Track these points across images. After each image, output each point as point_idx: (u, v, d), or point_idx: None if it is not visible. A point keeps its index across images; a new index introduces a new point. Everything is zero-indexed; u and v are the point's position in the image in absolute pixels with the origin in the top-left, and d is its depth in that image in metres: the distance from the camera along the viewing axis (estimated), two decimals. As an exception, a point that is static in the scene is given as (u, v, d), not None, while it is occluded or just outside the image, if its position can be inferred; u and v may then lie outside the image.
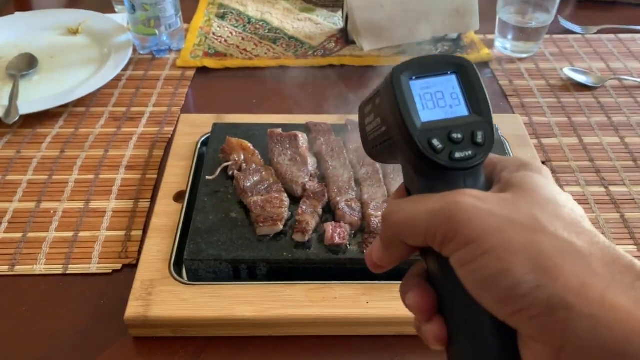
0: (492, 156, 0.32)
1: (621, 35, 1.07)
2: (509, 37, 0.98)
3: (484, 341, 0.29)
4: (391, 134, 0.31)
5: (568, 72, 0.94)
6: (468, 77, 0.32)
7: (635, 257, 0.66)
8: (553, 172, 0.76)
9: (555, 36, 1.06)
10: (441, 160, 0.30)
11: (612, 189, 0.74)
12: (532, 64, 0.98)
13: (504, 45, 1.00)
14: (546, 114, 0.87)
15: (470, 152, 0.30)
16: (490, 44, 1.03)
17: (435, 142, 0.30)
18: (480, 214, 0.27)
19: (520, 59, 0.99)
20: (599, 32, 1.08)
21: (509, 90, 0.92)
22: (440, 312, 0.31)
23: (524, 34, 0.98)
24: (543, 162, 0.76)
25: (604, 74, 0.96)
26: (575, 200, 0.74)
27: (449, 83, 0.32)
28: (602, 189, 0.74)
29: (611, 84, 0.94)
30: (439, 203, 0.28)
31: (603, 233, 0.67)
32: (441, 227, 0.28)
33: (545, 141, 0.81)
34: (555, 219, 0.27)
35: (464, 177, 0.30)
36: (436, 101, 0.31)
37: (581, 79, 0.93)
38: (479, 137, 0.30)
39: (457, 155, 0.30)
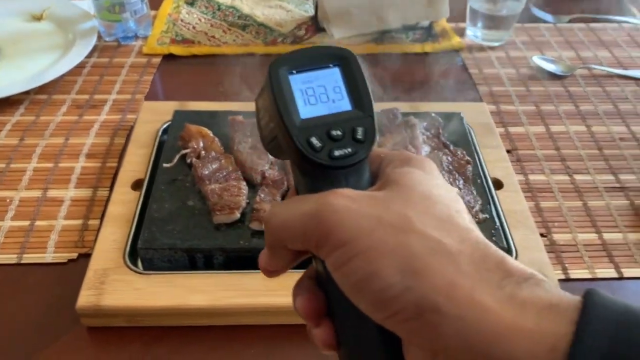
0: (379, 150, 0.31)
1: (592, 25, 1.07)
2: (480, 25, 0.98)
3: (370, 346, 0.28)
4: (277, 131, 0.30)
5: (537, 60, 0.94)
6: (351, 69, 0.30)
7: (597, 244, 0.66)
8: (518, 160, 0.76)
9: (526, 25, 1.06)
10: (320, 159, 0.28)
11: (577, 177, 0.74)
12: (502, 53, 0.98)
13: (475, 33, 1.00)
14: (514, 103, 0.87)
15: (350, 150, 0.29)
16: (462, 33, 1.02)
17: (314, 140, 0.28)
18: (352, 215, 0.26)
19: (491, 48, 0.99)
20: (570, 21, 1.08)
21: (478, 78, 0.92)
22: (329, 316, 0.30)
23: (494, 22, 0.97)
24: (508, 151, 0.76)
25: (573, 62, 0.96)
26: (539, 188, 0.74)
27: (332, 76, 0.30)
28: (567, 177, 0.74)
29: (580, 72, 0.94)
30: (313, 205, 0.27)
31: (565, 221, 0.68)
32: (315, 230, 0.26)
33: (512, 129, 0.81)
34: (426, 216, 0.26)
35: (346, 175, 0.29)
36: (318, 96, 0.30)
37: (550, 67, 0.93)
38: (360, 134, 0.29)
39: (337, 153, 0.28)
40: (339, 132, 0.29)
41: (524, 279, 0.25)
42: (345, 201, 0.26)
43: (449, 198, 0.28)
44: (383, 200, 0.27)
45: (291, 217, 0.28)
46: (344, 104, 0.30)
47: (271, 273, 0.32)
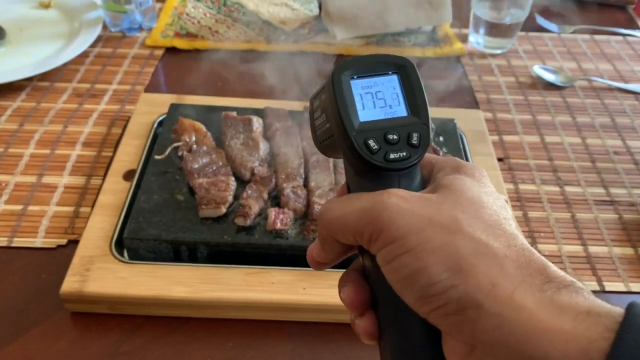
0: (431, 156, 0.33)
1: (597, 37, 1.07)
2: (482, 32, 0.98)
3: (411, 337, 0.30)
4: (333, 131, 0.32)
5: (537, 70, 0.94)
6: (409, 77, 0.32)
7: (581, 257, 0.66)
8: (510, 169, 0.76)
9: (530, 34, 1.06)
10: (376, 161, 0.30)
11: (567, 188, 0.74)
12: (503, 61, 0.98)
13: (477, 40, 1.00)
14: (511, 111, 0.87)
15: (404, 153, 0.30)
16: (465, 39, 1.02)
17: (371, 142, 0.30)
18: (404, 213, 0.28)
19: (493, 55, 0.99)
20: (575, 32, 1.07)
21: (476, 85, 0.92)
22: (373, 307, 0.32)
23: (497, 29, 0.97)
24: (500, 159, 0.77)
25: (574, 74, 0.96)
26: (528, 198, 0.76)
27: (390, 83, 0.32)
28: (557, 188, 0.74)
29: (580, 84, 0.93)
30: (368, 202, 0.29)
31: (552, 232, 0.68)
32: (367, 226, 0.28)
33: (506, 138, 0.82)
34: (475, 220, 0.28)
35: (399, 177, 0.31)
36: (376, 101, 0.31)
37: (550, 77, 0.93)
38: (415, 139, 0.31)
39: (392, 156, 0.30)
40: (395, 136, 0.30)
41: (564, 285, 0.26)
42: (398, 200, 0.28)
43: (497, 205, 0.29)
44: (434, 202, 0.28)
45: (346, 213, 0.30)
46: (400, 110, 0.32)
47: (319, 265, 0.34)
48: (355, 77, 0.32)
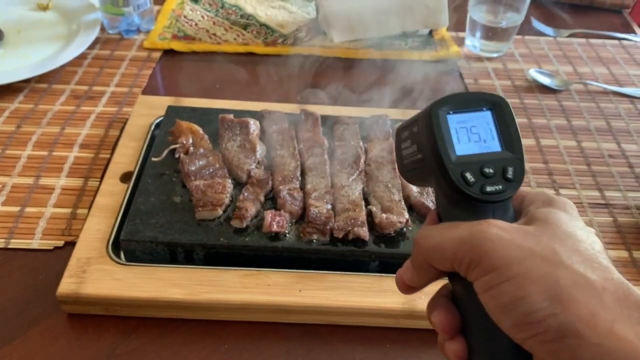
0: (521, 190, 0.34)
1: (592, 40, 1.07)
2: (478, 35, 0.98)
3: None
4: (426, 162, 0.33)
5: (533, 73, 0.94)
6: (503, 114, 0.34)
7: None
8: (505, 172, 0.76)
9: (527, 37, 1.06)
10: (473, 193, 0.32)
11: (562, 191, 0.75)
12: (499, 64, 0.99)
13: (473, 43, 1.00)
14: (507, 114, 0.87)
15: (500, 187, 0.32)
16: (461, 42, 1.03)
17: (468, 175, 0.32)
18: (505, 244, 0.29)
19: (489, 59, 1.00)
20: (571, 35, 1.08)
21: (473, 88, 0.92)
22: (462, 332, 0.33)
23: (493, 33, 0.98)
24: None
25: (570, 77, 0.96)
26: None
27: (484, 119, 0.33)
28: (552, 192, 0.75)
29: (576, 87, 0.94)
30: (467, 231, 0.30)
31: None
32: (467, 254, 0.30)
33: (501, 141, 0.82)
34: (573, 253, 0.29)
35: (494, 209, 0.32)
36: (470, 135, 0.33)
37: (545, 81, 0.93)
38: (510, 173, 0.32)
39: (489, 189, 0.32)
40: (491, 170, 0.32)
41: None
42: (498, 231, 0.30)
43: (591, 239, 0.31)
44: (533, 235, 0.30)
45: (445, 240, 0.31)
46: (494, 145, 0.33)
47: (410, 289, 0.36)
48: (451, 112, 0.33)
